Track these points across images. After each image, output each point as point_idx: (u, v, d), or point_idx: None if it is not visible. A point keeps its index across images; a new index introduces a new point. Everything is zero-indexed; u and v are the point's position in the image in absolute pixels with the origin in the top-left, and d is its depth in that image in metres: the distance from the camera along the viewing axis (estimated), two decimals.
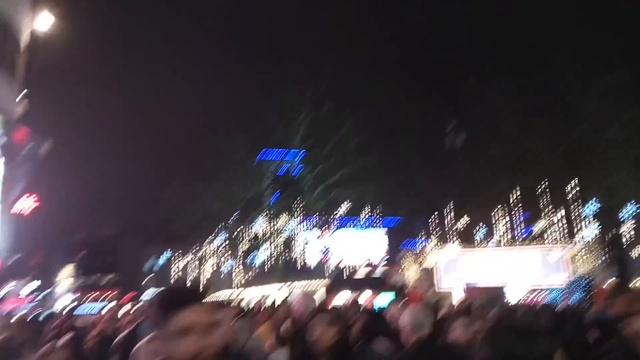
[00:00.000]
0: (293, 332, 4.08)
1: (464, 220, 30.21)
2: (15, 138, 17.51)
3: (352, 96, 27.51)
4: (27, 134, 17.94)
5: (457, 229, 31.04)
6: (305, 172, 29.63)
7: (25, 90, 19.67)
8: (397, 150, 28.13)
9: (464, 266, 22.68)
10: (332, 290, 20.49)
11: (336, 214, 30.70)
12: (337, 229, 31.71)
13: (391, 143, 28.27)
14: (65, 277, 68.03)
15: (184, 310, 1.43)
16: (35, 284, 61.93)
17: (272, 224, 30.25)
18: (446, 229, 32.24)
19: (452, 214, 31.48)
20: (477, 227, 30.18)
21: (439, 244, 30.87)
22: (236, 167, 27.69)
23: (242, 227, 30.85)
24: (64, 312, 12.80)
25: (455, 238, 30.60)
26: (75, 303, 47.57)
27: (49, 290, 65.63)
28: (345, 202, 29.95)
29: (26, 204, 19.81)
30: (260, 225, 30.49)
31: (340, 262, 33.30)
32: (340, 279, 27.94)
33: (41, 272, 64.81)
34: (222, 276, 38.04)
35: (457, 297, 15.42)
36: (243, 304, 13.93)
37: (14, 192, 18.53)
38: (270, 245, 30.40)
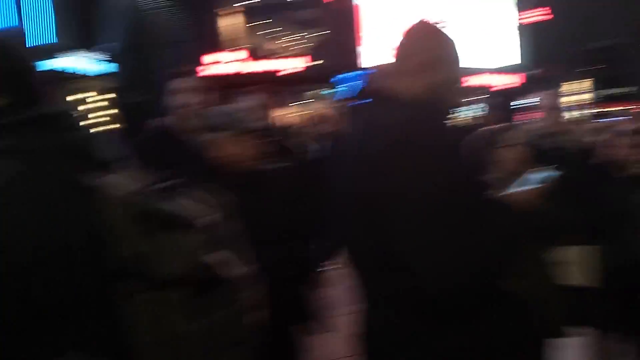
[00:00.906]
0: None
1: None
2: None
3: None
4: None
5: None
6: None
7: None
8: None
9: None
10: None
11: None
12: None
13: None
14: (580, 89, 68.96)
15: None
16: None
17: None
18: None
19: None
20: None
21: None
22: None
23: None
24: None
25: None
26: (593, 116, 47.87)
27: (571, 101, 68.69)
28: None
29: (538, 17, 20.95)
30: None
31: None
32: None
33: (559, 84, 67.68)
34: None
35: None
36: None
37: (526, 7, 19.74)
38: None
